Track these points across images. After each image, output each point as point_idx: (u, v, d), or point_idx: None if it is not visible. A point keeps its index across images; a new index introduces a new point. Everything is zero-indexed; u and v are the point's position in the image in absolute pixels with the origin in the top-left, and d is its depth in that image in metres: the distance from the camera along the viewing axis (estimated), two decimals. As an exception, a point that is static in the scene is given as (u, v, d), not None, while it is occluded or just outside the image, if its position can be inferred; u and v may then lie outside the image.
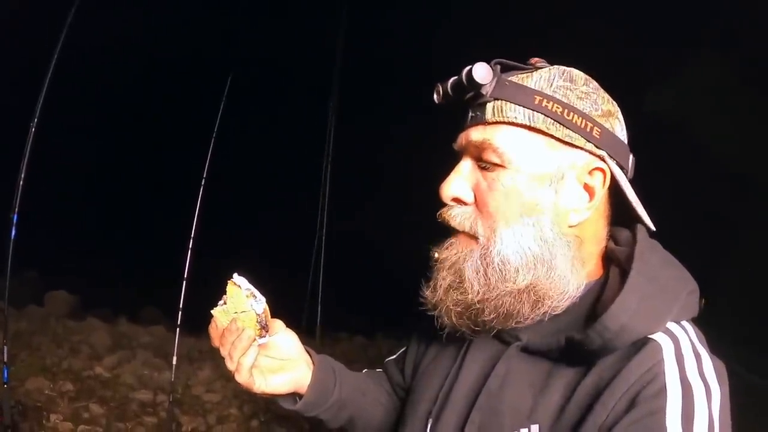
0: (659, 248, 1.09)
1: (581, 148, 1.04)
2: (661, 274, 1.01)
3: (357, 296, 11.25)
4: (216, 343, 1.17)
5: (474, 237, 1.06)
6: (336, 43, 8.21)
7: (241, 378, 1.15)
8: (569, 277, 1.02)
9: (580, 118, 1.02)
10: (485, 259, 1.03)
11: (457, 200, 1.09)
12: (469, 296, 1.03)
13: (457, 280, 1.05)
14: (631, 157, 1.11)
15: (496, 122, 1.03)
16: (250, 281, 1.15)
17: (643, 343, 0.94)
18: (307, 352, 1.31)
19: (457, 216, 1.09)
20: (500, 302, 1.02)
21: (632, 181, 1.11)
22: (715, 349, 1.01)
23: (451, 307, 1.06)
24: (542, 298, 1.01)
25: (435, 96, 1.12)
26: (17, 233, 4.38)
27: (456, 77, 1.07)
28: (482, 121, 1.05)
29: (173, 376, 5.06)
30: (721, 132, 12.13)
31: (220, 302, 1.14)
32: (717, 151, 12.60)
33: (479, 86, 1.02)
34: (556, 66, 1.08)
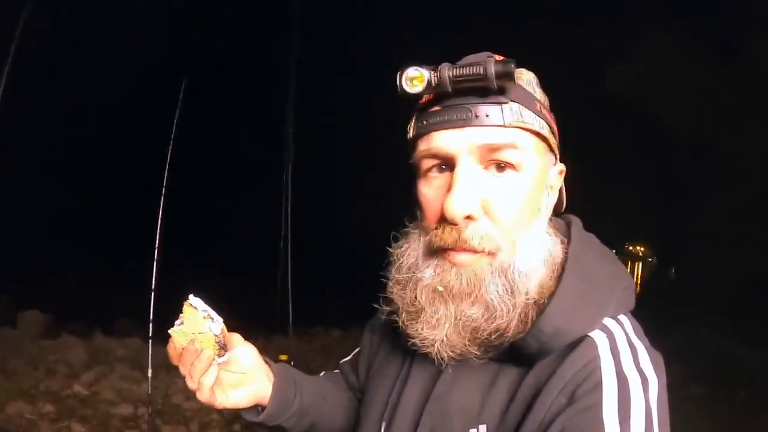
0: (594, 243, 1.10)
1: (555, 153, 1.07)
2: (595, 272, 1.02)
3: (330, 289, 11.28)
4: (175, 362, 1.16)
5: (490, 254, 0.98)
6: (291, 38, 8.21)
7: (203, 396, 1.16)
8: (549, 274, 1.01)
9: (554, 124, 1.06)
10: (506, 276, 0.97)
11: (469, 217, 0.97)
12: (497, 321, 0.96)
13: (476, 310, 0.97)
14: None
15: (514, 126, 0.98)
16: (206, 301, 1.16)
17: (578, 340, 0.95)
18: (266, 363, 1.31)
19: (474, 236, 0.97)
20: (524, 315, 0.97)
21: None
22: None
23: (469, 338, 0.98)
24: (539, 299, 0.98)
25: (413, 84, 0.98)
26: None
27: (468, 65, 0.95)
28: (493, 123, 0.96)
29: (150, 388, 5.03)
30: (683, 106, 12.35)
31: (177, 322, 1.14)
32: (679, 124, 12.83)
33: (507, 84, 0.96)
34: (523, 68, 1.06)
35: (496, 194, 0.97)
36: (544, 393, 0.93)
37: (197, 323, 1.13)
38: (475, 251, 0.97)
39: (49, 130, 12.68)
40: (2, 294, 9.37)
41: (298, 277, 7.42)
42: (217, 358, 1.16)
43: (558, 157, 1.09)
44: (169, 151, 5.68)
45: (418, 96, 1.00)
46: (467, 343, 0.98)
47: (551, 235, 1.04)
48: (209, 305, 1.16)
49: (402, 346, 1.17)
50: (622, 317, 1.02)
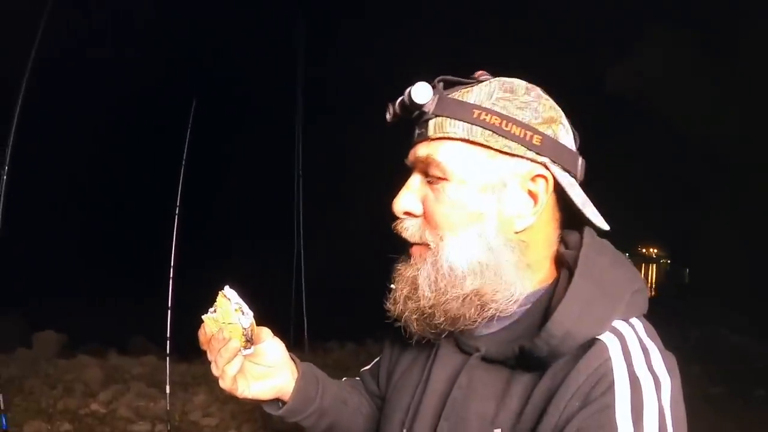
0: (607, 249, 1.12)
1: (522, 157, 1.06)
2: (606, 276, 1.04)
3: (343, 303, 11.26)
4: (204, 347, 1.21)
5: (426, 246, 1.12)
6: (297, 56, 8.27)
7: (225, 384, 1.21)
8: (515, 281, 1.07)
9: (519, 128, 1.05)
10: (435, 266, 1.08)
11: (408, 213, 1.15)
12: (422, 303, 1.09)
13: (413, 290, 1.11)
14: (580, 160, 1.13)
15: (438, 138, 1.09)
16: (240, 294, 1.20)
17: (590, 344, 0.97)
18: (293, 359, 1.36)
19: (408, 228, 1.15)
20: (448, 307, 1.07)
21: (583, 184, 1.13)
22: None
23: (411, 316, 1.12)
24: (488, 302, 1.06)
25: (387, 115, 1.18)
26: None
27: (401, 97, 1.12)
28: (426, 138, 1.10)
29: (168, 405, 5.04)
30: (693, 107, 12.31)
31: (211, 309, 1.19)
32: (689, 125, 12.79)
33: (420, 105, 1.08)
34: (498, 78, 1.11)
35: (429, 198, 1.12)
36: (558, 397, 0.95)
37: (228, 314, 1.17)
38: (417, 244, 1.14)
39: (60, 151, 12.77)
40: (17, 314, 9.44)
41: (311, 291, 7.43)
42: (243, 350, 1.20)
43: (541, 161, 1.07)
44: (182, 171, 5.72)
45: (397, 122, 1.18)
46: (415, 320, 1.13)
47: (510, 242, 1.08)
48: (242, 298, 1.20)
49: (421, 355, 1.26)
50: (634, 320, 1.03)
